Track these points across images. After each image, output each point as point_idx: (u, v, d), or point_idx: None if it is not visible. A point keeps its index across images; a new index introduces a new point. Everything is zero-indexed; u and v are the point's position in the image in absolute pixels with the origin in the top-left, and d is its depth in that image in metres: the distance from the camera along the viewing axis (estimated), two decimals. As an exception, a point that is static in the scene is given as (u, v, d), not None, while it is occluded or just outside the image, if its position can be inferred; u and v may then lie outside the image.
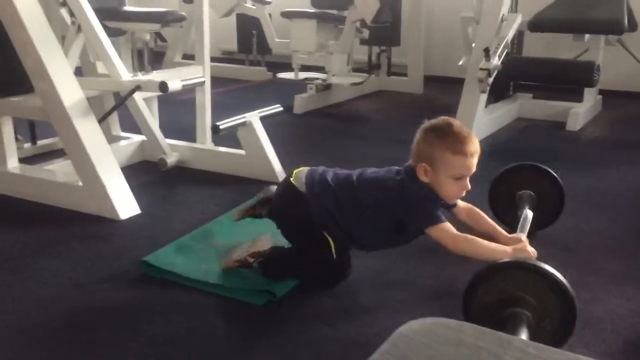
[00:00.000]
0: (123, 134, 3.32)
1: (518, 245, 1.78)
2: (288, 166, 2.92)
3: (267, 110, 2.92)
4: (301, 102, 4.44)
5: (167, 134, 3.13)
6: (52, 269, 2.02)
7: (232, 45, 6.36)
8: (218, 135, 2.75)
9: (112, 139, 3.06)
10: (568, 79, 3.57)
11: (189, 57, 5.86)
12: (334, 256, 1.86)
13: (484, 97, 3.63)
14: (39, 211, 2.51)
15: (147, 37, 3.09)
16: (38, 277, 1.97)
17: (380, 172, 1.90)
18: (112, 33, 3.04)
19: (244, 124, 2.78)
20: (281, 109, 3.03)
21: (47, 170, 2.75)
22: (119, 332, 1.67)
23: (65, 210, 2.51)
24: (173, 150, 3.05)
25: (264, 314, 1.77)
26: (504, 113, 4.12)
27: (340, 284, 1.92)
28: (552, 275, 1.48)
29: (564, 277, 1.50)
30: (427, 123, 1.83)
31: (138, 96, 2.88)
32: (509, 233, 1.92)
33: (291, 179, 1.94)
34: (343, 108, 4.73)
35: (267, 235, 2.04)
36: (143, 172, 3.02)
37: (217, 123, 2.67)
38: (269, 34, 4.86)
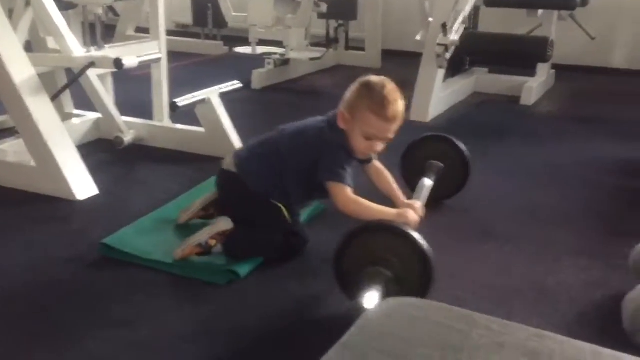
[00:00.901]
0: (76, 112, 3.23)
1: (402, 210, 1.83)
2: (247, 142, 2.89)
3: (226, 87, 2.88)
4: (259, 78, 4.39)
5: (123, 111, 3.05)
6: (7, 253, 1.97)
7: (187, 18, 6.22)
8: (176, 112, 2.70)
9: (65, 117, 2.97)
10: (523, 55, 3.64)
11: (141, 30, 5.72)
12: (289, 221, 1.91)
13: (441, 72, 3.66)
14: (-10, 193, 2.43)
15: (100, 10, 2.98)
16: (-7, 261, 1.92)
17: (302, 124, 1.97)
18: (62, 6, 2.92)
19: (202, 100, 2.74)
20: (240, 85, 2.99)
21: (-3, 150, 2.66)
22: (80, 315, 1.65)
23: (18, 191, 2.43)
24: (129, 128, 2.99)
25: (227, 293, 1.77)
26: (461, 88, 4.17)
27: (301, 251, 1.96)
28: (411, 239, 1.56)
29: (428, 242, 1.58)
30: (367, 77, 1.87)
31: (92, 72, 2.79)
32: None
33: (223, 166, 2.00)
34: (301, 83, 4.71)
35: (226, 217, 2.03)
36: (99, 151, 2.95)
37: (175, 100, 2.62)
38: (225, 7, 4.77)
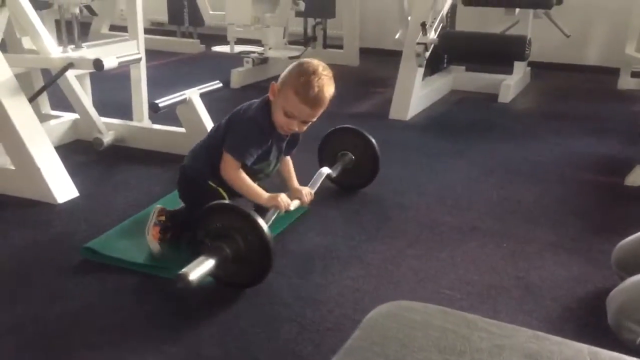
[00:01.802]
0: (53, 113, 3.18)
1: (274, 194, 1.96)
2: (229, 143, 2.88)
3: (206, 87, 2.85)
4: (238, 77, 4.37)
5: (101, 111, 3.01)
6: (-12, 258, 1.94)
7: (163, 16, 6.15)
8: (157, 113, 2.67)
9: (42, 118, 2.91)
10: (501, 54, 3.68)
11: (115, 28, 5.65)
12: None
13: (421, 71, 3.68)
14: (-33, 197, 2.38)
15: (77, 10, 2.93)
16: (-26, 268, 1.88)
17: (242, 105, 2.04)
18: (37, 6, 2.87)
19: (183, 101, 2.71)
20: (220, 84, 2.97)
21: (-26, 153, 2.60)
22: (66, 321, 1.63)
23: (-4, 194, 2.39)
24: (109, 128, 2.95)
25: (214, 294, 1.76)
26: (439, 86, 4.21)
27: None
28: (249, 218, 1.68)
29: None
30: (308, 59, 1.93)
31: (70, 73, 2.75)
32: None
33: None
34: (280, 81, 4.69)
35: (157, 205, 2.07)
36: (78, 153, 2.91)
37: (156, 101, 2.59)
38: (203, 5, 4.74)
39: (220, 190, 1.96)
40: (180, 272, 1.58)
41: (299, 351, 1.52)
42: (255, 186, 1.96)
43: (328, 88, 1.87)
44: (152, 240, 1.92)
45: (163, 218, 1.97)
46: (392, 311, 0.83)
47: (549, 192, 2.60)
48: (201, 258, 1.65)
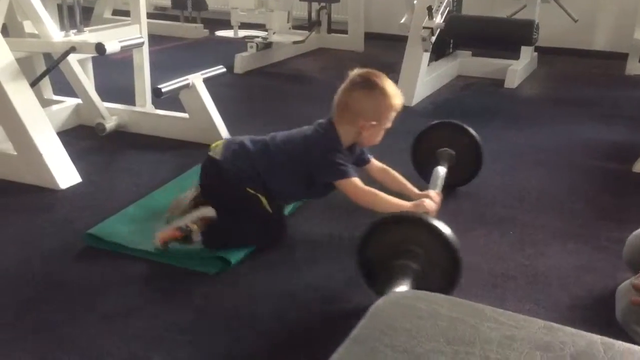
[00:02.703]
0: (56, 98, 3.15)
1: (417, 201, 1.88)
2: (232, 128, 2.86)
3: (210, 72, 2.83)
4: (242, 62, 4.33)
5: (104, 96, 2.99)
6: (-9, 245, 1.92)
7: (166, 0, 6.11)
8: (160, 98, 2.65)
9: (44, 103, 2.89)
10: (508, 38, 3.63)
11: (117, 13, 5.61)
12: (269, 210, 1.92)
13: (427, 56, 3.64)
14: (-31, 182, 2.37)
15: (79, -7, 2.90)
16: (-24, 254, 1.87)
17: (292, 132, 2.00)
18: (39, -11, 2.84)
19: (186, 86, 2.69)
20: (224, 70, 2.94)
21: (-25, 139, 2.58)
22: (71, 308, 1.61)
23: (-2, 180, 2.38)
24: (111, 114, 2.93)
25: (219, 282, 1.75)
26: (445, 71, 4.16)
27: (282, 240, 1.95)
28: (435, 228, 1.51)
29: (453, 230, 1.54)
30: (360, 78, 1.91)
31: (72, 57, 2.72)
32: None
33: (210, 153, 1.98)
34: (285, 67, 4.65)
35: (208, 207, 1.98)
36: (80, 138, 2.88)
37: (159, 86, 2.57)
38: (206, -11, 4.69)
39: (260, 196, 1.91)
40: None
41: (305, 339, 1.50)
42: (392, 197, 1.87)
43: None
44: (161, 239, 1.85)
45: (195, 227, 1.87)
46: (400, 300, 0.81)
47: (556, 178, 2.57)
48: (394, 280, 1.45)
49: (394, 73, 3.97)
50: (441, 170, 2.11)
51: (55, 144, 2.38)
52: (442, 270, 1.52)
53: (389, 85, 1.91)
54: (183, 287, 1.73)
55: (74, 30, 2.84)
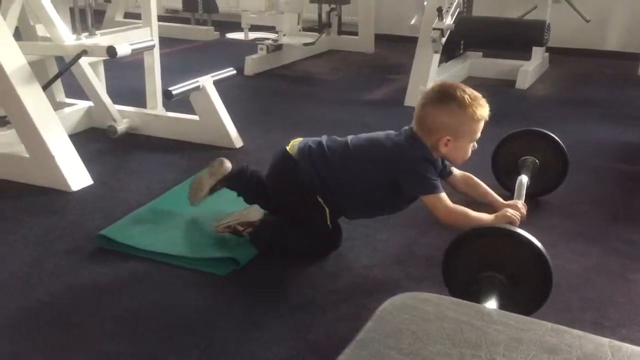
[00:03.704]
0: (68, 100, 3.18)
1: (500, 213, 1.82)
2: (242, 131, 2.87)
3: (220, 74, 2.84)
4: (252, 64, 4.35)
5: (115, 99, 3.01)
6: (3, 246, 1.94)
7: (177, 3, 6.14)
8: (170, 101, 2.67)
9: (56, 106, 2.92)
10: (520, 39, 3.62)
11: (129, 16, 5.65)
12: (329, 224, 1.86)
13: (437, 57, 3.63)
14: (-18, 184, 2.40)
15: (91, -4, 2.93)
16: (-11, 255, 1.89)
17: (376, 134, 1.90)
18: (50, -7, 2.87)
19: (197, 88, 2.70)
20: (234, 72, 2.96)
21: (-11, 141, 2.61)
22: (82, 310, 1.63)
23: (11, 182, 2.40)
24: (122, 116, 2.95)
25: (230, 282, 1.76)
26: (456, 72, 4.15)
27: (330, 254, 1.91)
28: (526, 241, 1.46)
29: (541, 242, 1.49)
30: (433, 91, 1.82)
31: (84, 60, 2.75)
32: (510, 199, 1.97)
33: (287, 147, 1.92)
34: (295, 69, 4.67)
35: (255, 206, 1.99)
36: (92, 140, 2.91)
37: (170, 88, 2.59)
38: (217, -8, 4.71)
39: (326, 208, 1.85)
40: None
41: (311, 340, 1.51)
42: (478, 213, 1.80)
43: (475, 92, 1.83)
44: (220, 231, 1.92)
45: (242, 229, 1.89)
46: (406, 302, 0.81)
47: (567, 179, 2.55)
48: (483, 293, 1.42)
49: (403, 74, 3.99)
50: (524, 179, 2.07)
51: (67, 147, 2.40)
52: (530, 284, 1.48)
53: (466, 95, 1.77)
54: (194, 288, 1.74)
55: (86, 34, 2.87)
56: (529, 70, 4.10)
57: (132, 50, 2.54)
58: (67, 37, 2.67)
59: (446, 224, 1.79)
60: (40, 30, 2.85)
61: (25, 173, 2.39)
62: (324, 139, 1.91)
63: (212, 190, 2.06)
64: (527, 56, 4.32)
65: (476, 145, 1.87)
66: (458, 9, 3.60)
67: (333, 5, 5.21)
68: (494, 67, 4.36)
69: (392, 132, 1.89)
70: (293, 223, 1.89)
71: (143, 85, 3.13)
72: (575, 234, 2.07)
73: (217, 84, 2.82)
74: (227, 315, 1.61)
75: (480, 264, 1.49)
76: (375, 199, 1.87)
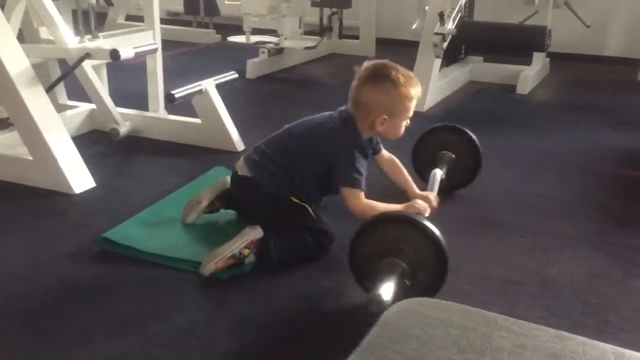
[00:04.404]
0: (70, 103, 3.18)
1: (409, 203, 1.89)
2: (244, 134, 2.88)
3: (222, 78, 2.85)
4: (253, 67, 4.35)
5: (117, 101, 3.01)
6: (6, 248, 1.95)
7: (178, 5, 6.14)
8: (173, 104, 2.67)
9: (59, 108, 2.91)
10: (521, 44, 3.63)
11: (130, 18, 5.66)
12: (315, 219, 1.91)
13: (438, 62, 3.64)
14: (-15, 186, 2.40)
15: (93, 0, 2.93)
16: (-8, 257, 1.90)
17: (313, 120, 1.97)
18: (53, -5, 2.88)
19: (199, 91, 2.71)
20: (236, 75, 2.96)
21: (-8, 143, 2.61)
22: (84, 312, 1.63)
23: (14, 185, 2.40)
24: (125, 119, 2.95)
25: (233, 285, 1.76)
26: (457, 77, 4.16)
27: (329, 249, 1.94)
28: (424, 228, 1.57)
29: (442, 233, 1.59)
30: (368, 71, 1.87)
31: (86, 63, 2.75)
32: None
33: (238, 171, 1.98)
34: (296, 72, 4.67)
35: (255, 226, 1.90)
36: (94, 143, 2.91)
37: (172, 91, 2.59)
38: (219, -5, 4.72)
39: (307, 206, 1.91)
40: (375, 295, 1.44)
41: (317, 345, 1.51)
42: (387, 204, 1.87)
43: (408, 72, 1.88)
44: (211, 269, 1.77)
45: (247, 252, 1.81)
46: (412, 308, 0.82)
47: (568, 185, 2.57)
48: (382, 277, 1.52)
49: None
50: (438, 173, 2.16)
51: (69, 149, 2.41)
52: (429, 269, 1.58)
53: (400, 74, 1.83)
54: (196, 291, 1.74)
55: (89, 36, 2.88)
56: (529, 75, 4.11)
57: (135, 53, 2.55)
58: (70, 40, 2.68)
59: (355, 215, 1.84)
60: (44, 33, 2.86)
61: (28, 175, 2.40)
62: (262, 144, 1.99)
63: (211, 206, 2.08)
64: (528, 61, 4.33)
65: (409, 122, 1.93)
66: (459, 14, 3.61)
67: (334, 9, 5.22)
68: (495, 72, 4.37)
69: (327, 114, 1.95)
70: (287, 229, 1.89)
71: (145, 88, 3.14)
72: (578, 239, 2.08)
73: (219, 87, 2.83)
74: (229, 318, 1.61)
75: (383, 250, 1.58)
76: (319, 182, 1.94)
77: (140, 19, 3.21)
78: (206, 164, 2.55)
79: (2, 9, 2.51)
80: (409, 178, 2.11)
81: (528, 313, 1.66)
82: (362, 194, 1.85)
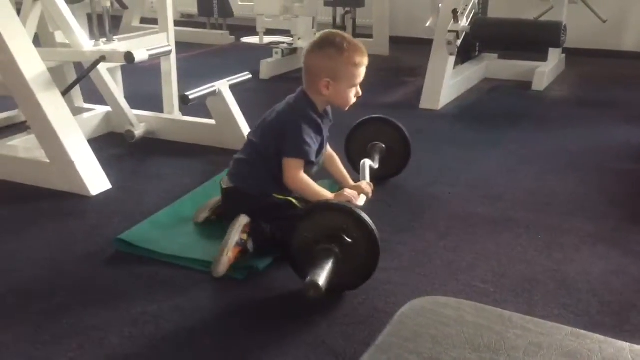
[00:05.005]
0: (86, 106, 3.21)
1: (340, 192, 2.00)
2: (259, 135, 2.88)
3: (236, 78, 2.86)
4: (267, 68, 4.37)
5: (132, 103, 3.04)
6: (25, 250, 1.97)
7: (192, 8, 6.18)
8: (187, 105, 2.69)
9: (75, 111, 2.95)
10: (536, 40, 3.60)
11: (145, 21, 5.70)
12: (302, 208, 1.92)
13: (452, 59, 3.62)
14: (2, 189, 2.43)
15: (108, 3, 2.96)
16: (10, 259, 1.92)
17: (273, 110, 2.03)
18: (69, 0, 2.91)
19: (213, 92, 2.72)
20: (250, 76, 2.97)
21: (9, 146, 2.64)
22: (101, 313, 1.64)
23: (31, 187, 2.43)
24: (140, 121, 2.98)
25: (248, 285, 1.77)
26: (471, 74, 4.14)
27: None
28: (353, 214, 1.64)
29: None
30: (317, 39, 1.93)
31: (102, 66, 2.78)
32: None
33: (223, 186, 2.03)
34: (309, 72, 4.67)
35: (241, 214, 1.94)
36: (110, 145, 2.94)
37: (186, 93, 2.60)
38: (232, -4, 4.74)
39: (292, 199, 1.94)
40: (310, 281, 1.49)
41: (329, 344, 1.51)
42: (319, 187, 1.94)
43: (361, 43, 1.94)
44: (225, 263, 1.78)
45: (245, 236, 1.86)
46: (425, 306, 0.81)
47: (585, 182, 2.54)
48: (318, 262, 1.57)
49: (418, 77, 3.98)
50: (367, 162, 2.26)
51: (86, 151, 2.43)
52: (360, 252, 1.65)
53: (345, 42, 1.88)
54: (212, 291, 1.75)
55: (104, 39, 2.90)
56: (545, 72, 4.07)
57: (150, 56, 2.56)
58: (85, 43, 2.70)
59: (290, 187, 1.92)
60: (59, 37, 2.89)
61: (45, 178, 2.42)
62: (238, 152, 2.05)
63: (220, 210, 2.08)
64: (543, 57, 4.29)
65: (360, 92, 1.97)
66: (473, 11, 3.59)
67: (347, 9, 5.22)
68: (510, 68, 4.34)
69: (290, 97, 2.01)
70: (278, 226, 1.89)
71: (160, 90, 3.16)
72: (595, 236, 2.06)
73: (233, 88, 2.84)
74: (245, 319, 1.62)
75: (318, 237, 1.65)
76: None
77: (154, 21, 3.23)
78: (220, 164, 2.56)
79: (18, 14, 2.55)
80: (345, 172, 2.21)
81: (545, 311, 1.65)
82: (301, 165, 1.90)
